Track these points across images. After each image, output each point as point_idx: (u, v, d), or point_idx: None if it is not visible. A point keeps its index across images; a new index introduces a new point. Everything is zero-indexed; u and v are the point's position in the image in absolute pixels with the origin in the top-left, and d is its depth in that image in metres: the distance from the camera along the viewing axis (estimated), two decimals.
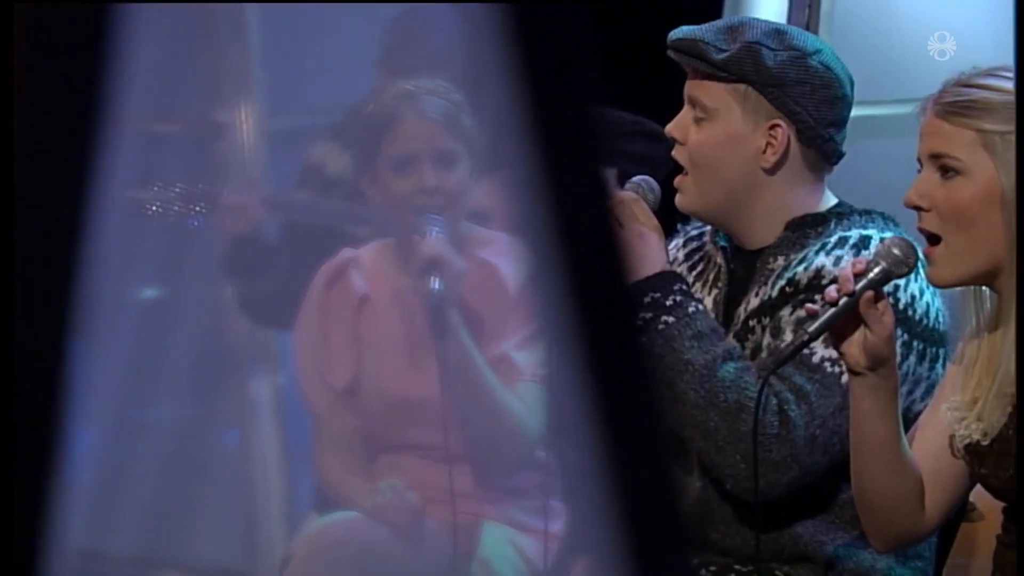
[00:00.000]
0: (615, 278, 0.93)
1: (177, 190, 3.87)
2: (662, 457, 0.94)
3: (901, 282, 2.50)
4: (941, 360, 2.57)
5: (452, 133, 3.07)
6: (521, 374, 3.06)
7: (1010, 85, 2.27)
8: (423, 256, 2.95)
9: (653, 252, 2.60)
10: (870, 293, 2.25)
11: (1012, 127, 2.24)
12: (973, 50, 4.21)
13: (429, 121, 3.08)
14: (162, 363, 5.15)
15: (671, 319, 2.56)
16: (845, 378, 2.41)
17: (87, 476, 5.13)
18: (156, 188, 3.87)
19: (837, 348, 2.31)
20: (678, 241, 2.78)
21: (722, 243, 2.71)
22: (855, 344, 2.27)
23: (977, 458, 2.33)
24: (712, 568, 2.60)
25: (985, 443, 2.31)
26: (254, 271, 3.82)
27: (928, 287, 2.54)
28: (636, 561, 0.90)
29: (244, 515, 4.90)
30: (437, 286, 2.93)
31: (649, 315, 2.57)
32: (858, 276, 2.27)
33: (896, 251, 2.30)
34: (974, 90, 2.28)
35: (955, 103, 2.28)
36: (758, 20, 2.72)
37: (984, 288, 2.32)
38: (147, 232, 4.10)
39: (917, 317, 2.55)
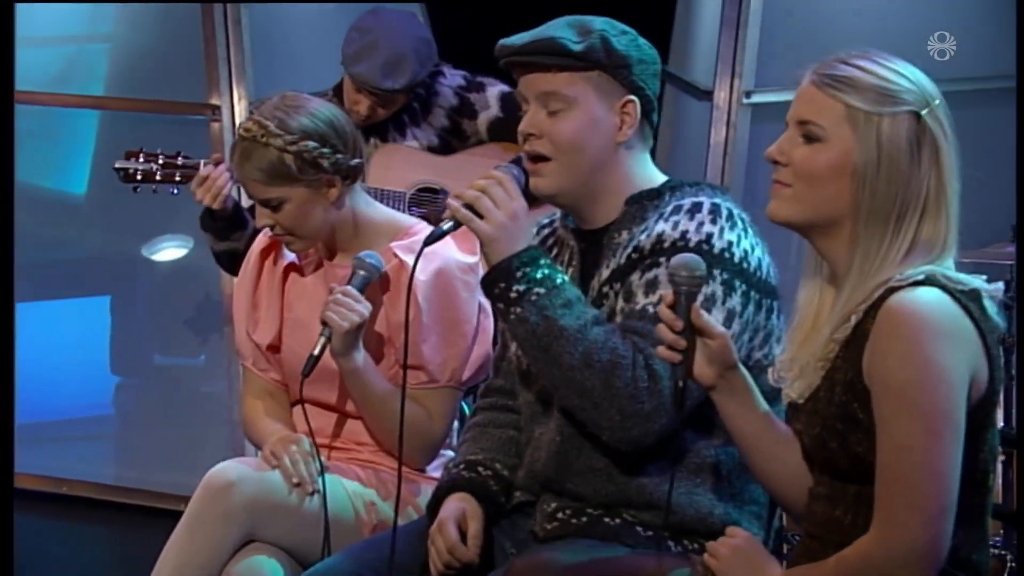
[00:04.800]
0: None
1: (160, 161, 4.12)
2: None
3: (734, 238, 2.69)
4: (776, 311, 2.73)
5: (271, 183, 3.15)
6: (436, 381, 3.21)
7: (883, 71, 2.37)
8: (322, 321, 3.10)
9: (521, 231, 2.73)
10: (695, 307, 2.39)
11: (877, 109, 2.34)
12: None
13: (250, 180, 3.16)
14: (168, 318, 5.50)
15: (542, 290, 2.68)
16: None
17: (116, 414, 5.48)
18: (140, 158, 4.13)
19: (690, 377, 2.41)
20: (532, 231, 2.90)
21: (571, 225, 2.88)
22: (701, 363, 2.41)
23: (794, 414, 2.44)
24: (567, 511, 2.79)
25: (800, 402, 2.41)
26: (222, 232, 4.09)
27: (758, 244, 2.71)
28: None
29: (234, 449, 5.30)
30: (328, 335, 3.09)
31: (523, 287, 2.69)
32: (673, 307, 2.40)
33: (684, 272, 2.40)
34: (850, 68, 2.36)
35: (830, 76, 2.37)
36: (589, 16, 2.82)
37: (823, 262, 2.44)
38: (146, 199, 4.30)
39: (752, 270, 2.70)
